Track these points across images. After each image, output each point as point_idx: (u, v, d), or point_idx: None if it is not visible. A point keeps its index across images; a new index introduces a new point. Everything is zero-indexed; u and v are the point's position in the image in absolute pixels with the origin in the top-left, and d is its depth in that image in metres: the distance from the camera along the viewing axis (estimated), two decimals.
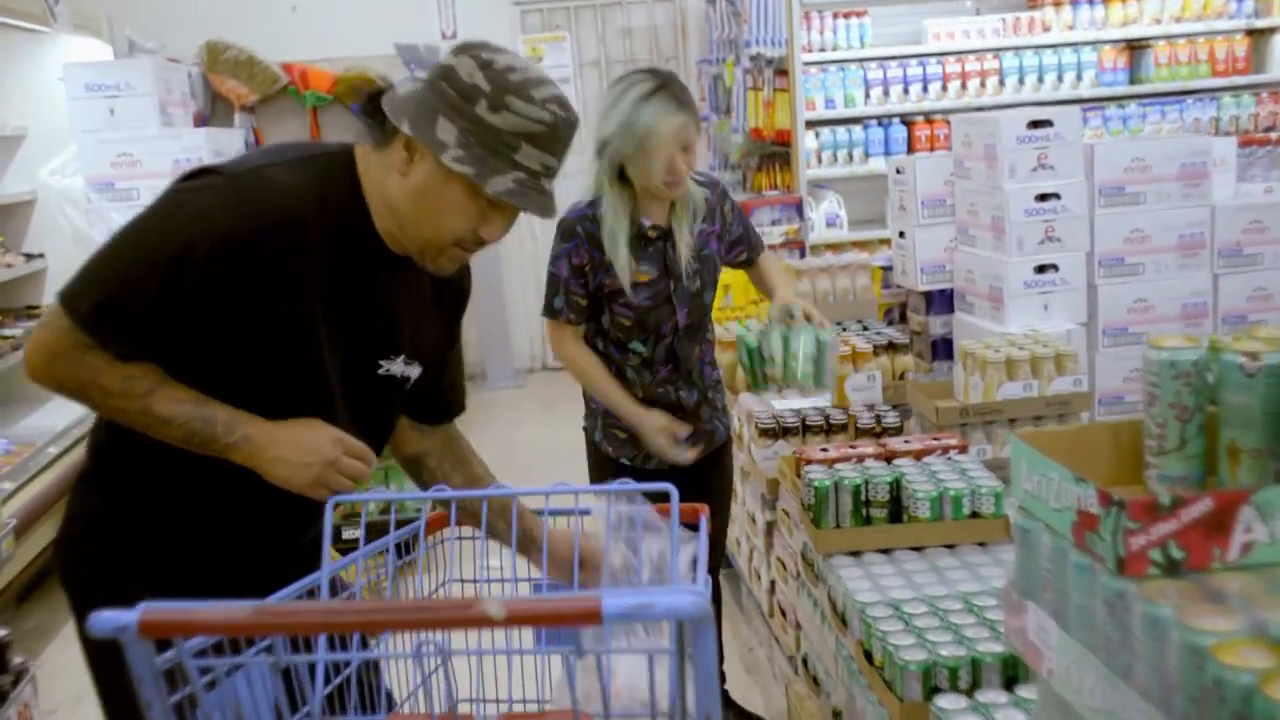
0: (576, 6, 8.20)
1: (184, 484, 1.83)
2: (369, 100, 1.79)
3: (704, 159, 8.24)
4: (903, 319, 4.83)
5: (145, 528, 1.86)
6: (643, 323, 2.99)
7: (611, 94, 2.86)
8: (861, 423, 3.44)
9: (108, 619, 1.19)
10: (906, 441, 3.15)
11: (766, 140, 6.66)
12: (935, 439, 3.12)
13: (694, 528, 1.74)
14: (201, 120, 7.57)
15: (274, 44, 7.62)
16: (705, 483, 3.13)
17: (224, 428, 1.74)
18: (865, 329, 4.23)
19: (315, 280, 1.76)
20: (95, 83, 4.31)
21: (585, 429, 3.22)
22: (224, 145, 4.46)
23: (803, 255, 4.94)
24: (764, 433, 3.51)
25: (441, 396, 2.10)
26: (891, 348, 3.93)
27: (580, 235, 2.93)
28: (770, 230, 4.87)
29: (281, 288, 1.72)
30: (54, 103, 4.86)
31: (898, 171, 4.56)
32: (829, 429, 3.49)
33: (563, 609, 1.14)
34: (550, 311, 3.02)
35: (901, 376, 3.90)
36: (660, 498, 1.70)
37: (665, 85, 2.82)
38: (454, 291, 2.03)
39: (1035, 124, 3.76)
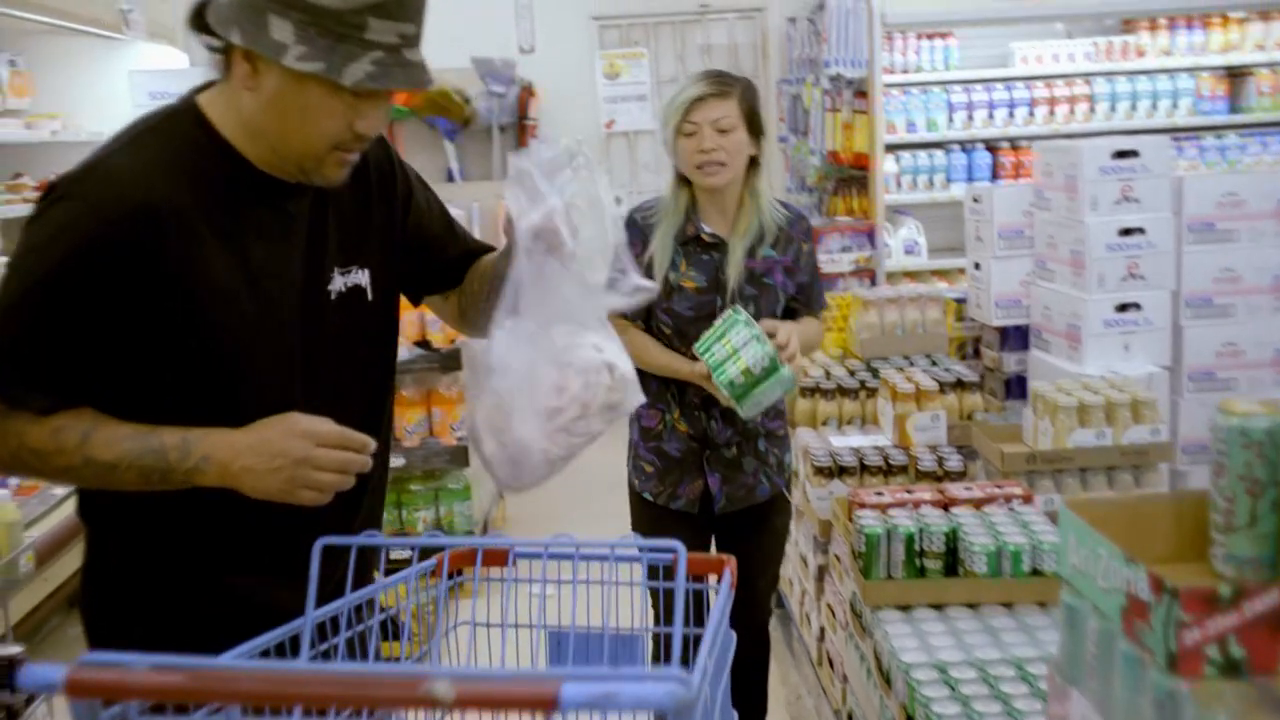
0: (656, 22, 8.10)
1: (171, 519, 1.71)
2: (195, 17, 1.62)
3: (780, 181, 8.08)
4: (976, 354, 4.63)
5: (148, 566, 1.75)
6: (683, 334, 2.84)
7: None
8: (922, 465, 3.25)
9: (36, 674, 1.09)
10: (967, 489, 2.97)
11: (844, 164, 6.48)
12: (998, 487, 2.94)
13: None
14: None
15: None
16: (749, 543, 2.98)
17: (177, 455, 1.58)
18: (934, 364, 4.04)
19: (208, 247, 1.61)
20: (158, 90, 4.31)
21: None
22: None
23: (873, 284, 4.76)
24: (819, 471, 3.34)
25: (452, 258, 1.97)
26: (960, 386, 3.73)
27: (638, 225, 2.86)
28: (840, 258, 4.70)
29: (176, 271, 1.58)
30: (128, 109, 4.88)
31: (975, 200, 4.38)
32: (888, 470, 3.31)
33: (516, 694, 1.01)
34: None
35: (969, 416, 3.70)
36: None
37: (710, 73, 2.81)
38: (377, 176, 1.85)
39: (1120, 154, 3.56)
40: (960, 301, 4.60)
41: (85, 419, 1.59)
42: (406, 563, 1.61)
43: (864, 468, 3.33)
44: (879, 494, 2.98)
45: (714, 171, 2.73)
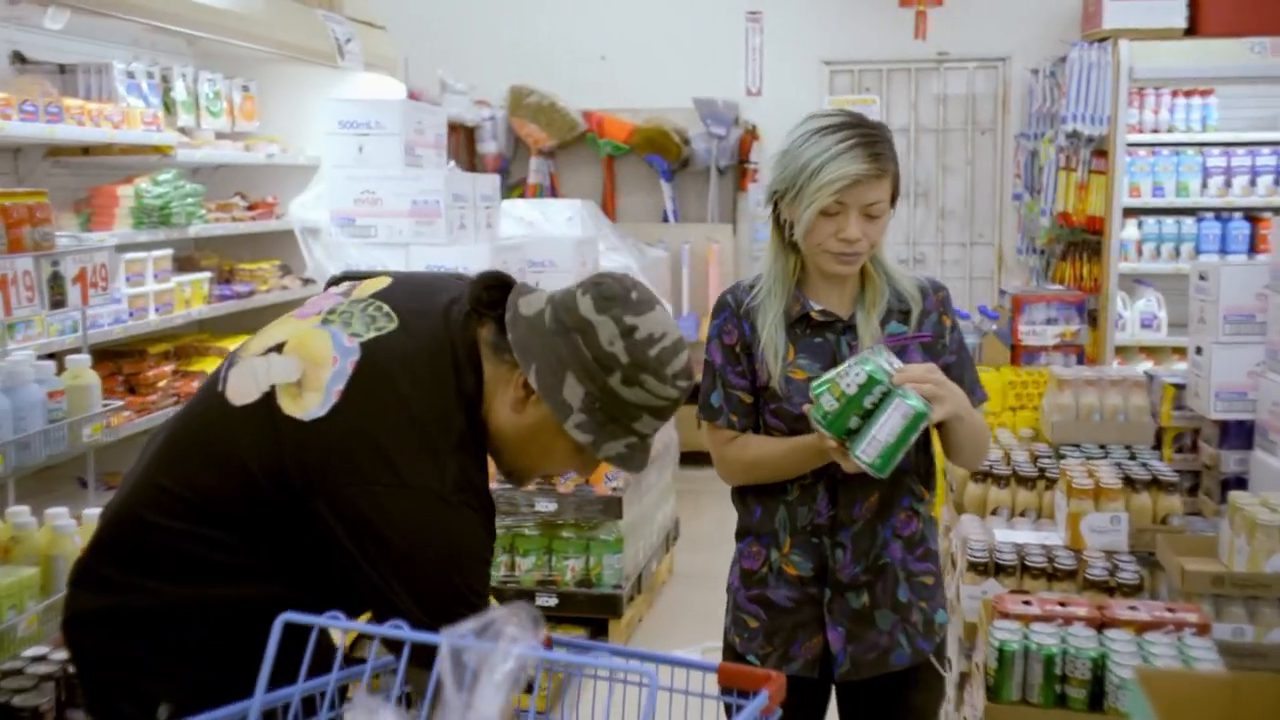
0: (890, 69, 7.79)
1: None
2: (486, 289, 1.74)
3: (1011, 241, 7.60)
4: (1194, 449, 4.14)
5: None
6: (798, 436, 2.23)
7: (791, 132, 2.27)
8: (1091, 573, 2.86)
9: None
10: (1133, 607, 2.57)
11: (1075, 226, 6.02)
12: (1171, 610, 2.53)
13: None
14: (501, 163, 7.77)
15: (580, 91, 7.71)
16: None
17: None
18: (1132, 457, 3.60)
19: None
20: (348, 120, 4.39)
21: None
22: (462, 189, 4.42)
23: (1080, 361, 4.33)
24: (974, 567, 3.00)
25: None
26: (1156, 485, 3.29)
27: (730, 306, 2.31)
28: (1043, 330, 4.29)
29: None
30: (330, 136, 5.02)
31: (1201, 278, 3.92)
32: (1052, 574, 2.93)
33: None
34: (708, 412, 2.31)
35: (1164, 522, 3.26)
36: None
37: (853, 125, 2.14)
38: None
39: None
40: (1180, 387, 4.12)
41: None
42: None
43: (1025, 568, 2.97)
44: (1026, 602, 2.63)
45: (850, 262, 2.20)
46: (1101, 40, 6.07)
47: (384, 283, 1.81)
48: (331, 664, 1.40)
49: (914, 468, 2.30)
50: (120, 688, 1.67)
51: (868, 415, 2.04)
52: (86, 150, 4.48)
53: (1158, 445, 4.06)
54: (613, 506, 4.30)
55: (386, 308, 1.73)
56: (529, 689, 1.54)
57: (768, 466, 2.27)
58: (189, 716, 1.35)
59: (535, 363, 1.66)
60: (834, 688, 2.38)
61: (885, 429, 2.02)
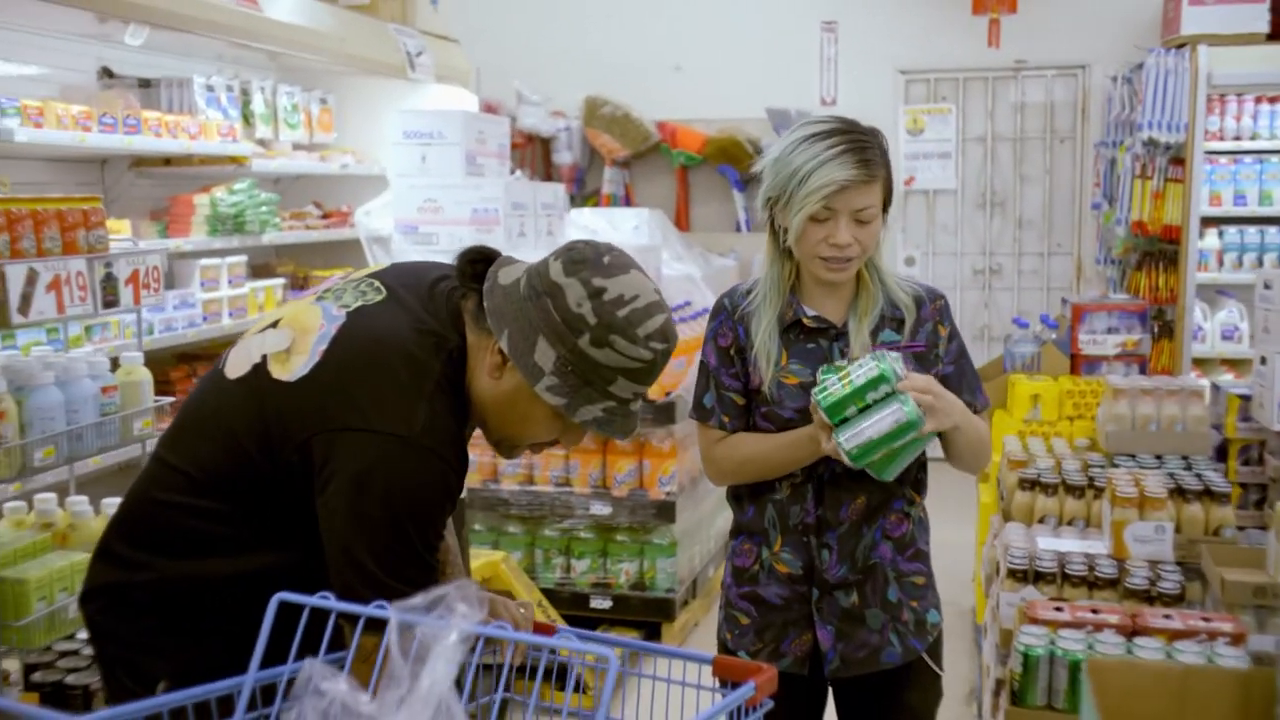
0: (967, 78, 7.71)
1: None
2: (470, 263, 1.78)
3: (1090, 251, 7.47)
4: (1261, 461, 4.03)
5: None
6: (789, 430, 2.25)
7: (782, 139, 2.27)
8: (1132, 582, 2.82)
9: None
10: (1167, 616, 2.53)
11: (1150, 235, 5.90)
12: (1206, 619, 2.49)
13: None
14: (577, 173, 7.86)
15: (654, 101, 7.77)
16: None
17: None
18: (1188, 468, 3.53)
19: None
20: (412, 130, 4.50)
21: None
22: (522, 197, 4.50)
23: (1142, 371, 4.25)
24: (1013, 574, 2.98)
25: None
26: (1208, 496, 3.23)
27: (726, 309, 2.31)
28: (1104, 339, 4.22)
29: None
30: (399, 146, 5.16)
31: (1265, 286, 3.83)
32: (1093, 583, 2.90)
33: None
34: (700, 412, 2.34)
35: (1217, 532, 3.20)
36: None
37: (843, 131, 2.15)
38: None
39: None
40: (1246, 398, 4.02)
41: None
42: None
43: (1065, 576, 2.94)
44: (1058, 608, 2.61)
45: (844, 267, 2.19)
46: (1180, 46, 5.95)
47: (382, 266, 1.89)
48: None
49: (906, 472, 2.29)
50: (123, 663, 1.75)
51: (865, 410, 2.07)
52: (168, 161, 4.67)
53: (1222, 457, 3.97)
54: (666, 510, 4.33)
55: (378, 283, 1.80)
56: (577, 688, 1.58)
57: (758, 463, 2.28)
58: (184, 689, 1.41)
59: (508, 328, 1.69)
60: (830, 686, 2.39)
61: (874, 425, 2.06)
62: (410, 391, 1.67)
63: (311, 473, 1.66)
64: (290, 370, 1.69)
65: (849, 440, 2.07)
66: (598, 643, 1.41)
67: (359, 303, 1.76)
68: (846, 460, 2.10)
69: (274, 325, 1.78)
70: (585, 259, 1.70)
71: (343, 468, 1.63)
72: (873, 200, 2.15)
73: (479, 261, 1.78)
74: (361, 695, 1.21)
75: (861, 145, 2.14)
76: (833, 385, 2.09)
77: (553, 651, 1.54)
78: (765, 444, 2.26)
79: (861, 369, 2.09)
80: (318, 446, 1.64)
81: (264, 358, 1.72)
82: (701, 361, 2.37)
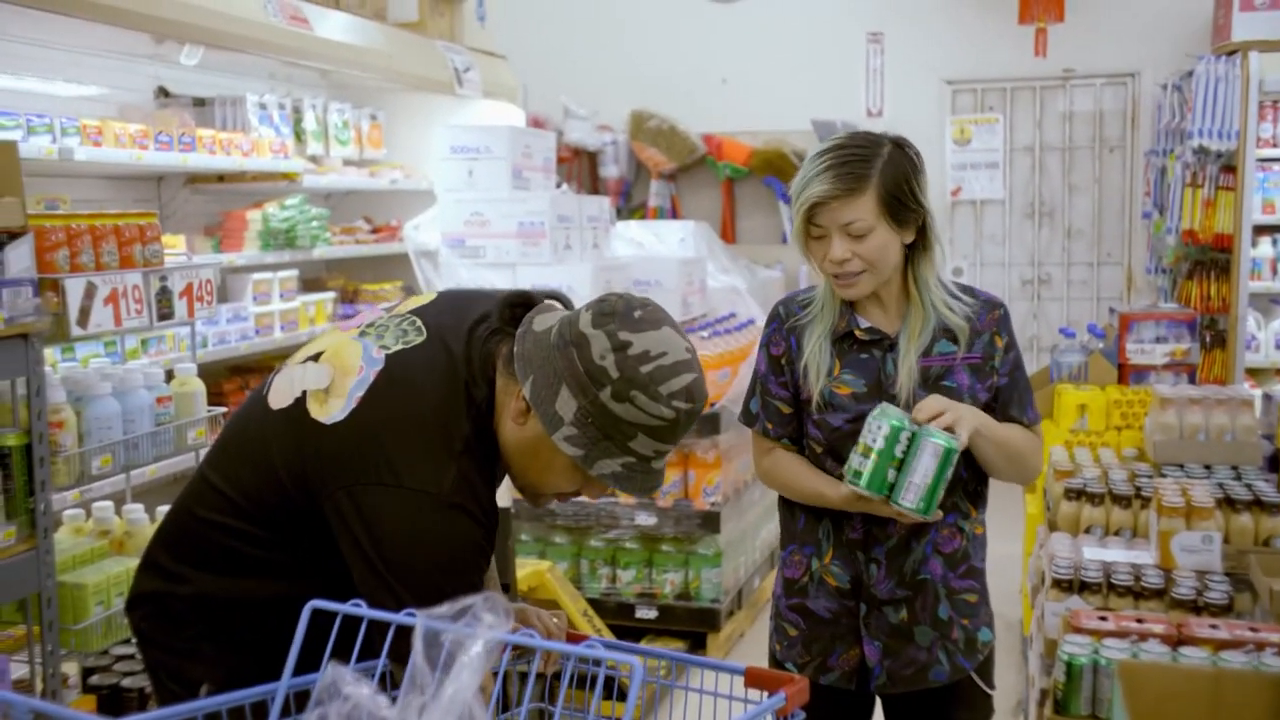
0: (1014, 88, 7.67)
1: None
2: (510, 307, 1.80)
3: (1140, 260, 7.39)
4: None
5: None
6: (836, 453, 2.23)
7: None
8: (1179, 592, 2.80)
9: None
10: (1214, 626, 2.52)
11: (1201, 244, 5.83)
12: (1254, 629, 2.47)
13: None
14: (623, 186, 7.91)
15: (700, 114, 7.81)
16: None
17: None
18: (1238, 478, 3.50)
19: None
20: (459, 145, 4.56)
21: None
22: (567, 210, 4.54)
23: (1191, 381, 4.21)
24: (1058, 584, 2.97)
25: None
26: (1258, 506, 3.20)
27: (780, 318, 2.31)
28: (1151, 348, 4.19)
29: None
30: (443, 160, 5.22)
31: None
32: (1139, 593, 2.88)
33: None
34: (747, 416, 2.37)
35: (1267, 543, 3.16)
36: None
37: (838, 148, 2.15)
38: None
39: None
40: None
41: None
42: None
43: (1111, 586, 2.92)
44: (1103, 618, 2.60)
45: (852, 282, 2.18)
46: (1231, 53, 5.89)
47: (428, 299, 1.90)
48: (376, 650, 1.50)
49: (963, 485, 2.30)
50: (167, 669, 1.80)
51: (901, 465, 2.09)
52: (221, 178, 4.77)
53: (1274, 468, 3.92)
54: (711, 521, 4.35)
55: (419, 323, 1.81)
56: (622, 696, 1.60)
57: (792, 492, 2.32)
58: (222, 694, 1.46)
59: (533, 375, 1.70)
60: (880, 701, 2.39)
61: (919, 472, 2.08)
62: (440, 452, 1.69)
63: (343, 522, 1.69)
64: (327, 413, 1.71)
65: (909, 500, 2.10)
66: (625, 652, 1.43)
67: (398, 345, 1.77)
68: (919, 518, 2.12)
69: (315, 358, 1.80)
70: (615, 311, 1.70)
71: (373, 522, 1.66)
72: (859, 214, 2.12)
73: (519, 306, 1.80)
74: (382, 699, 1.24)
75: (846, 160, 2.13)
76: (860, 464, 2.11)
77: (596, 663, 1.57)
78: (798, 481, 2.29)
79: (876, 432, 2.11)
80: (349, 498, 1.67)
81: (304, 393, 1.76)
82: (755, 366, 2.38)
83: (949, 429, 2.10)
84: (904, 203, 2.16)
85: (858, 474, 2.10)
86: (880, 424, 2.09)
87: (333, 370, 1.76)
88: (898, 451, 2.08)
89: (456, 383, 1.74)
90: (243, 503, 1.76)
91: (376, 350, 1.77)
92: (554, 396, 1.68)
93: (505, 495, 3.77)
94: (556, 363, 1.68)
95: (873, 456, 2.09)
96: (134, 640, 1.89)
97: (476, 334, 1.79)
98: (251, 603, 1.78)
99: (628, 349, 1.66)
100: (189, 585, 1.79)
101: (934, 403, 2.13)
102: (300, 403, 1.75)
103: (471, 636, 1.22)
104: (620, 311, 1.70)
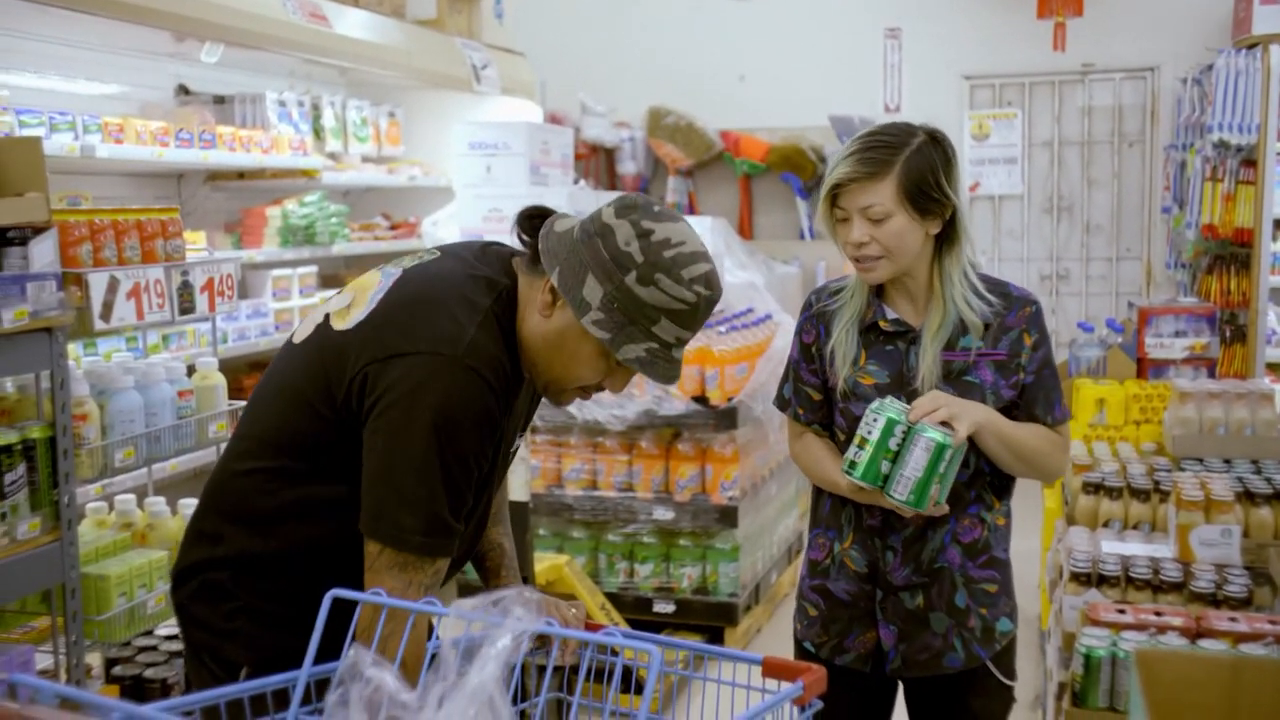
0: (1033, 82, 7.65)
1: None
2: (528, 219, 1.86)
3: (1160, 255, 7.37)
4: None
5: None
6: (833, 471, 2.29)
7: None
8: (1197, 585, 2.79)
9: None
10: (1233, 619, 2.51)
11: (1221, 239, 5.81)
12: (1273, 622, 2.47)
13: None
14: (641, 183, 7.92)
15: (717, 111, 7.81)
16: None
17: None
18: (1258, 472, 3.48)
19: (505, 419, 1.86)
20: (477, 141, 4.59)
21: None
22: (585, 206, 4.56)
23: (1211, 375, 4.19)
24: (1076, 577, 2.96)
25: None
26: (1277, 499, 3.18)
27: (812, 305, 2.37)
28: (1171, 343, 4.18)
29: (500, 435, 1.85)
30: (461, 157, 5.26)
31: None
32: (1157, 586, 2.87)
33: None
34: (780, 401, 2.45)
35: None
36: None
37: (866, 135, 2.22)
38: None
39: None
40: None
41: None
42: None
43: (1129, 579, 2.92)
44: (1121, 610, 2.60)
45: (870, 266, 2.22)
46: (1251, 46, 5.87)
47: (442, 244, 2.01)
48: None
49: (987, 476, 2.31)
50: (210, 650, 1.83)
51: (896, 458, 2.14)
52: (241, 174, 4.80)
53: None
54: (729, 515, 4.36)
55: (434, 250, 1.92)
56: (639, 689, 1.61)
57: (813, 477, 2.40)
58: (259, 678, 1.48)
59: (560, 265, 1.76)
60: (901, 684, 2.41)
61: (911, 466, 2.13)
62: (459, 319, 1.75)
63: (357, 398, 1.73)
64: (348, 320, 1.79)
65: (899, 492, 2.15)
66: (642, 640, 1.45)
67: (414, 263, 1.87)
68: (911, 511, 2.16)
69: (338, 293, 1.90)
70: (636, 204, 1.78)
71: (390, 390, 1.70)
72: (878, 198, 2.16)
73: (536, 217, 1.86)
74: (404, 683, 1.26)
75: (872, 145, 2.18)
76: (856, 455, 2.17)
77: (613, 652, 1.58)
78: (819, 467, 2.36)
79: (872, 425, 2.16)
80: (369, 378, 1.72)
81: (326, 316, 1.83)
82: (789, 352, 2.44)
83: (946, 424, 2.13)
84: (927, 193, 2.17)
85: (853, 465, 2.17)
86: (877, 417, 2.15)
87: (354, 293, 1.84)
88: (892, 444, 2.13)
89: (476, 275, 1.81)
90: (270, 437, 1.81)
91: (394, 269, 1.86)
92: (580, 283, 1.74)
93: (522, 490, 3.80)
94: (582, 253, 1.75)
95: (868, 448, 2.15)
96: (178, 621, 1.91)
97: (490, 249, 1.89)
98: (289, 556, 1.81)
99: (650, 235, 1.74)
100: (227, 545, 1.83)
101: (928, 400, 2.17)
102: (322, 325, 1.82)
103: (500, 627, 1.24)
104: (641, 205, 1.78)
